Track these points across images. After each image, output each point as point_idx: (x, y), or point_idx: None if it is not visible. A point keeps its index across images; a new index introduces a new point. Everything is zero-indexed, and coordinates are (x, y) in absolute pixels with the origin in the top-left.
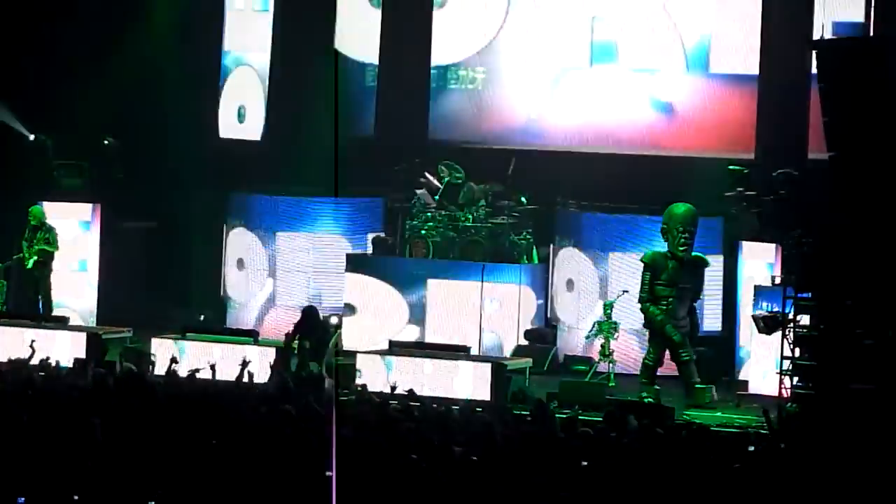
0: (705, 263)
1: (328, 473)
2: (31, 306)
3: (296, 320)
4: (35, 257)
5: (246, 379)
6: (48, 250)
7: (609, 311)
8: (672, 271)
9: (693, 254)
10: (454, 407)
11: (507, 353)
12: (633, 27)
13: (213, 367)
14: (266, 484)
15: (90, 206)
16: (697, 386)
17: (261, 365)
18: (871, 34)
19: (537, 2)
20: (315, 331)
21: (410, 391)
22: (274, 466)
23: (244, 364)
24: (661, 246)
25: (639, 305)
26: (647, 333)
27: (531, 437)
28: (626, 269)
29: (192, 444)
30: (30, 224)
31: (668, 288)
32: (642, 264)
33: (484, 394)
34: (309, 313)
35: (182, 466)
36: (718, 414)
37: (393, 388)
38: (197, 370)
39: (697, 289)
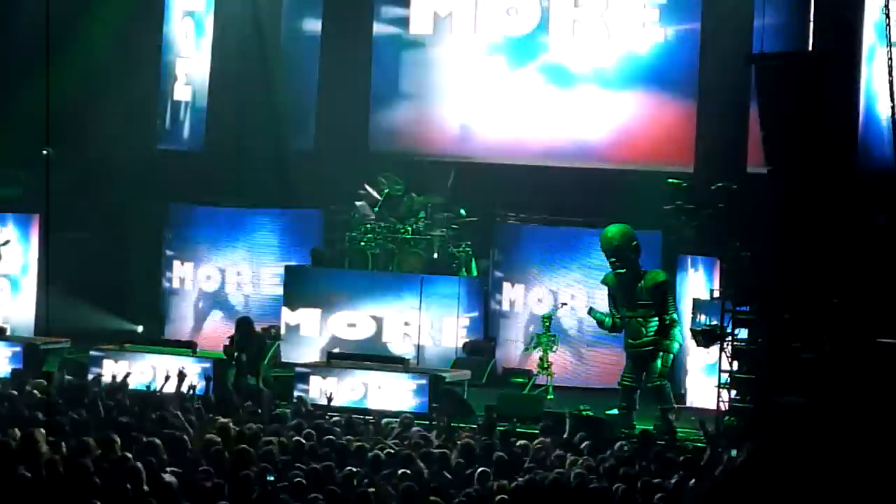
0: (650, 279)
1: (269, 478)
2: None
3: (232, 332)
4: None
5: (185, 390)
6: None
7: (547, 324)
8: (625, 290)
9: (651, 271)
10: (392, 419)
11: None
12: (572, 40)
13: (127, 376)
14: (211, 492)
15: (27, 216)
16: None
17: (199, 377)
18: (810, 49)
19: (477, 15)
20: (250, 342)
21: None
22: (217, 475)
23: (181, 376)
24: (599, 258)
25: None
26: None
27: (470, 448)
28: (564, 282)
29: (132, 454)
30: None
31: (626, 308)
32: None
33: (422, 406)
34: (243, 325)
35: (127, 476)
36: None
37: (329, 399)
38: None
39: (659, 305)
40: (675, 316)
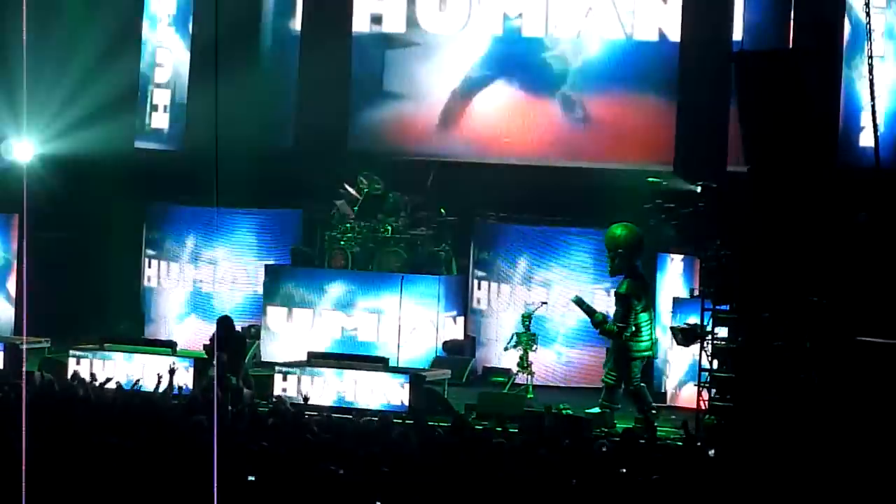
0: (619, 286)
1: (249, 478)
2: None
3: (213, 331)
4: None
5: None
6: None
7: (527, 323)
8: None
9: (623, 280)
10: (372, 418)
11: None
12: (551, 38)
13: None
14: (187, 492)
15: (6, 216)
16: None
17: (180, 376)
18: (790, 46)
19: (457, 14)
20: (231, 342)
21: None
22: (193, 475)
23: (171, 372)
24: (579, 257)
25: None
26: None
27: (448, 447)
28: (544, 281)
29: (115, 454)
30: None
31: None
32: None
33: (402, 405)
34: (224, 324)
35: (103, 476)
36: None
37: (306, 400)
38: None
39: (616, 311)
40: (630, 330)
